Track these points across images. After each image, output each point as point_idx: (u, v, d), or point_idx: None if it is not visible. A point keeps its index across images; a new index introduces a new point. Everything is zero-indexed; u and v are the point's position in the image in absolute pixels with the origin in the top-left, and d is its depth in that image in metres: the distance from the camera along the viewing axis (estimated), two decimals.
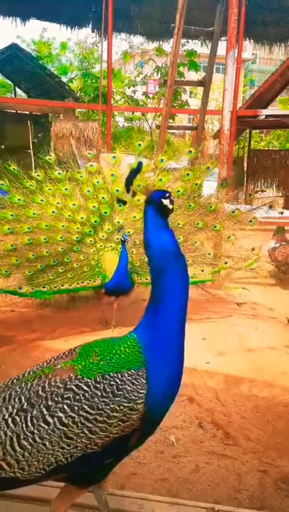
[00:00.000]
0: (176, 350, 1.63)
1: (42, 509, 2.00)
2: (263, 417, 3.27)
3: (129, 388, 1.51)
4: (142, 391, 1.52)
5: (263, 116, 12.12)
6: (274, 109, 16.66)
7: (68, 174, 5.01)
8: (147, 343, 1.60)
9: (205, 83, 8.58)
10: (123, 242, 4.56)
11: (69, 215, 4.80)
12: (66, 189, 4.87)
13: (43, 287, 4.68)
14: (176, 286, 1.62)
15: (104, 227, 4.95)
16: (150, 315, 1.64)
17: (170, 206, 1.66)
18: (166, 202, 1.65)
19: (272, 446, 2.94)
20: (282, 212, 9.40)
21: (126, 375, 1.53)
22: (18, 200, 4.66)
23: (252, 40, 14.49)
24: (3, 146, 12.40)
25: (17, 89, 17.22)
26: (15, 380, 1.66)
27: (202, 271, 4.95)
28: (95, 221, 4.90)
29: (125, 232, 4.87)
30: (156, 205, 1.64)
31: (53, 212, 4.73)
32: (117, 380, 1.52)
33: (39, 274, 4.71)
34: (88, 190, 4.92)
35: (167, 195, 1.66)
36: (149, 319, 1.64)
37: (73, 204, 4.84)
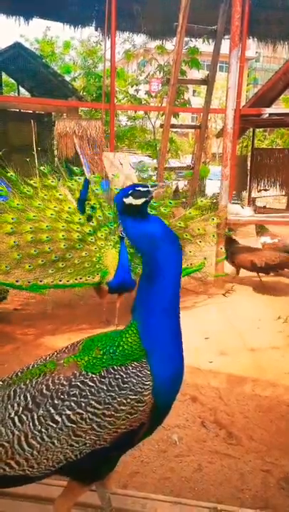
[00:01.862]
0: (171, 333, 1.61)
1: (45, 508, 2.01)
2: (266, 417, 3.27)
3: (135, 381, 1.51)
4: (147, 382, 1.52)
5: (267, 115, 12.07)
6: (277, 108, 16.62)
7: (61, 182, 5.25)
8: (143, 328, 1.59)
9: (208, 82, 8.56)
10: (122, 238, 4.58)
11: (67, 217, 4.92)
12: (60, 194, 5.07)
13: (40, 281, 4.65)
14: (169, 265, 1.60)
15: (101, 228, 5.09)
16: (142, 295, 1.63)
17: (136, 202, 1.62)
18: (128, 200, 1.62)
19: (276, 446, 2.94)
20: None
21: (130, 367, 1.53)
22: (17, 204, 4.75)
23: (255, 39, 14.43)
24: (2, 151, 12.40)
25: (20, 88, 17.23)
26: (19, 373, 1.66)
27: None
28: (92, 222, 5.04)
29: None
30: (121, 207, 1.63)
31: (51, 214, 4.84)
32: (122, 374, 1.52)
33: (39, 268, 4.71)
34: None
35: (130, 191, 1.62)
36: (140, 300, 1.63)
37: (69, 207, 5.00)
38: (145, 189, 1.63)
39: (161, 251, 1.58)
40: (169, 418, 3.14)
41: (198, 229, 5.40)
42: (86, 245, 4.90)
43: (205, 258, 5.50)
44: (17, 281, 4.58)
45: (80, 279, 4.78)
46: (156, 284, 1.59)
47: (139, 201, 1.62)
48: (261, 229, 7.26)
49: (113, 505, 1.93)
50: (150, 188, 1.65)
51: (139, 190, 1.62)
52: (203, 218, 5.46)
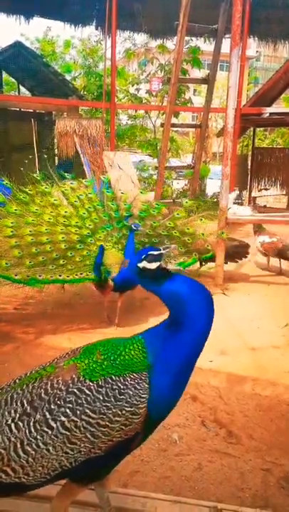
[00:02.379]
0: (186, 370, 1.61)
1: (43, 506, 2.01)
2: (266, 416, 3.27)
3: (132, 393, 1.51)
4: (144, 395, 1.52)
5: (267, 114, 12.07)
6: (278, 107, 16.60)
7: (54, 188, 5.28)
8: (157, 353, 1.58)
9: (209, 81, 8.57)
10: (131, 231, 4.49)
11: (64, 221, 4.94)
12: (55, 200, 5.08)
13: (39, 276, 4.63)
14: (199, 320, 1.59)
15: (98, 231, 5.11)
16: (168, 331, 1.61)
17: (149, 266, 1.64)
18: (142, 265, 1.65)
19: (276, 445, 2.94)
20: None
21: (128, 379, 1.53)
22: (15, 210, 4.78)
23: (256, 38, 14.42)
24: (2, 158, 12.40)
25: (21, 87, 17.22)
26: (17, 380, 1.66)
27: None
28: (89, 225, 5.07)
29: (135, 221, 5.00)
30: (138, 271, 1.66)
31: (49, 219, 4.86)
32: (120, 384, 1.52)
33: (40, 265, 4.70)
34: (75, 201, 5.18)
35: (143, 256, 1.65)
36: (165, 333, 1.61)
37: (65, 211, 5.04)
38: (158, 253, 1.66)
39: (190, 308, 1.57)
40: (169, 417, 3.13)
41: (188, 228, 5.40)
42: (86, 246, 4.90)
43: (195, 254, 5.49)
44: (16, 275, 4.55)
45: (81, 274, 4.75)
46: (184, 334, 1.58)
47: (153, 266, 1.64)
48: (259, 228, 7.30)
49: (113, 504, 1.93)
50: (162, 251, 1.67)
51: (152, 254, 1.65)
52: (191, 219, 5.51)
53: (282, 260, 7.10)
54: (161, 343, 1.59)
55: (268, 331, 4.86)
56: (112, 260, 4.74)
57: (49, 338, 4.57)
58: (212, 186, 16.27)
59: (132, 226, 4.55)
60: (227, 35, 9.16)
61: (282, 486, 2.57)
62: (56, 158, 13.76)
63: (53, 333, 4.69)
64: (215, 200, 13.65)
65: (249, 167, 16.02)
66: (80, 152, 12.14)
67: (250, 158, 16.13)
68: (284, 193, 16.13)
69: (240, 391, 3.61)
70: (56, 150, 13.46)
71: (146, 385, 1.53)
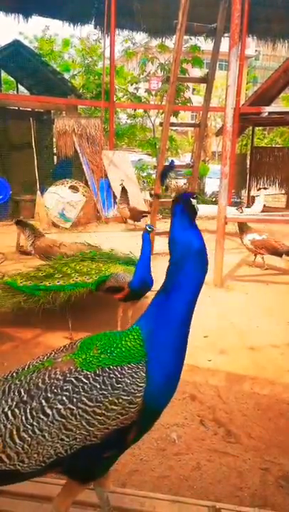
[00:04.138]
0: (179, 346, 1.64)
1: (44, 506, 2.01)
2: (264, 415, 3.27)
3: (129, 381, 1.52)
4: (141, 384, 1.53)
5: (266, 114, 12.10)
6: (277, 106, 16.63)
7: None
8: (150, 334, 1.61)
9: (208, 80, 8.54)
10: (147, 233, 4.38)
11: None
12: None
13: (41, 282, 4.59)
14: (193, 280, 1.65)
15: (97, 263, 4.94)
16: (158, 306, 1.66)
17: (197, 207, 1.71)
18: (194, 202, 1.70)
19: (274, 444, 2.94)
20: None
21: (126, 368, 1.54)
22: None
23: (255, 37, 14.48)
24: None
25: (19, 86, 17.19)
26: (14, 374, 1.67)
27: None
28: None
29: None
30: (185, 204, 1.69)
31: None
32: (117, 373, 1.53)
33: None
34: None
35: (195, 196, 1.73)
36: (155, 309, 1.66)
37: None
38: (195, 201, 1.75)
39: (192, 263, 1.63)
40: (168, 416, 3.16)
41: None
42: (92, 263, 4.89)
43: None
44: (21, 283, 4.57)
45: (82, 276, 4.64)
46: (179, 296, 1.63)
47: (198, 208, 1.72)
48: (244, 227, 7.38)
49: (112, 504, 1.93)
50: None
51: (198, 199, 1.75)
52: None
53: (266, 256, 7.29)
54: (155, 318, 1.64)
55: (267, 330, 4.87)
56: (119, 269, 4.63)
57: (48, 337, 4.57)
58: (211, 185, 16.28)
59: (147, 227, 4.49)
60: (226, 34, 9.15)
61: (280, 485, 2.57)
62: (55, 157, 13.74)
63: (51, 333, 4.68)
64: (214, 199, 13.68)
65: (248, 166, 16.04)
66: (78, 151, 12.13)
67: (249, 157, 16.14)
68: (283, 192, 16.15)
69: (239, 390, 3.61)
70: (55, 149, 13.44)
71: (144, 374, 1.54)
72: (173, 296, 1.63)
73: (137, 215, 10.99)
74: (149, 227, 4.45)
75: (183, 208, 1.68)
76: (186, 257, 1.63)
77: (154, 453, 2.81)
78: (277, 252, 7.09)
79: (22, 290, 4.58)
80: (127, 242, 7.42)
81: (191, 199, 1.70)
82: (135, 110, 16.05)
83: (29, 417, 1.50)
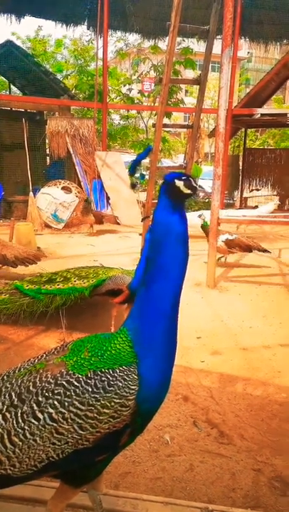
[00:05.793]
0: (166, 343, 1.59)
1: (37, 510, 1.99)
2: (257, 416, 3.28)
3: (121, 384, 1.50)
4: (133, 387, 1.50)
5: (258, 115, 12.16)
6: (269, 108, 16.73)
7: None
8: (136, 334, 1.57)
9: (200, 81, 8.55)
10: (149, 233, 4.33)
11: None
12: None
13: (43, 285, 4.64)
14: (173, 267, 1.57)
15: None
16: (139, 301, 1.61)
17: (185, 190, 1.59)
18: (179, 183, 1.58)
19: (267, 445, 2.94)
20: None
21: (117, 371, 1.52)
22: None
23: (247, 39, 14.53)
24: None
25: (12, 87, 17.12)
26: (5, 377, 1.65)
27: None
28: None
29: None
30: (168, 186, 1.59)
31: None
32: (108, 376, 1.51)
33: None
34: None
35: (184, 178, 1.60)
36: (138, 306, 1.61)
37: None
38: (195, 185, 1.62)
39: (174, 248, 1.56)
40: (161, 418, 3.16)
41: None
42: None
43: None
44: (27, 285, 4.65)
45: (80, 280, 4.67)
46: (160, 286, 1.56)
47: (187, 191, 1.59)
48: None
49: (104, 506, 1.92)
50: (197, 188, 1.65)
51: (191, 182, 1.60)
52: None
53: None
54: (138, 316, 1.59)
55: (260, 331, 4.88)
56: (116, 272, 4.63)
57: (41, 339, 4.54)
58: (204, 186, 16.31)
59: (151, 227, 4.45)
60: (218, 36, 9.19)
61: (273, 485, 2.57)
62: (48, 158, 13.69)
63: (44, 335, 4.66)
64: (206, 200, 13.71)
65: (240, 168, 16.11)
66: (71, 152, 12.11)
67: (241, 158, 16.22)
68: (275, 193, 16.24)
69: (232, 391, 3.62)
70: (48, 150, 13.39)
71: (136, 377, 1.52)
72: (152, 287, 1.57)
73: (100, 219, 11.29)
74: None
75: (164, 190, 1.59)
76: (163, 240, 1.56)
77: (147, 454, 2.80)
78: (249, 249, 7.33)
79: (27, 293, 4.64)
80: (116, 243, 7.41)
81: (177, 180, 1.58)
82: (128, 111, 16.07)
83: (20, 420, 1.47)
